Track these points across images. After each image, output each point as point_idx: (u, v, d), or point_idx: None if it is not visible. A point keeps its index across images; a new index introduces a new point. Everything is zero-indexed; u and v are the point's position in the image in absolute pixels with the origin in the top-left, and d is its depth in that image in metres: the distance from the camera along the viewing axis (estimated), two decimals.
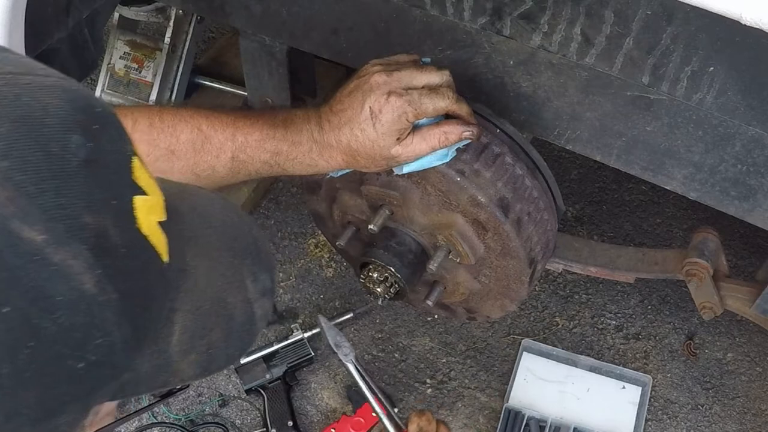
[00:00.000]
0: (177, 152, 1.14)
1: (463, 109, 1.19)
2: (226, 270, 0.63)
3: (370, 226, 1.34)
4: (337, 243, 1.45)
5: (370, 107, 1.12)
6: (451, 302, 1.53)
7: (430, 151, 1.17)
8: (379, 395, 1.54)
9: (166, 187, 0.60)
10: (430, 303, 1.46)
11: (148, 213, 0.54)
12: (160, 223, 0.55)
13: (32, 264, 0.45)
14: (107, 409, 0.56)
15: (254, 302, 0.64)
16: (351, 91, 1.15)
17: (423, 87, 1.15)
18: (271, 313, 0.66)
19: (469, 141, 1.20)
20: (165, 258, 0.55)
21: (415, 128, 1.16)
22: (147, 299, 0.53)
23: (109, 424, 0.58)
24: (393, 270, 1.39)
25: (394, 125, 1.12)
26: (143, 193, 0.54)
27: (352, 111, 1.13)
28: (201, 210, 0.65)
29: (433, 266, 1.37)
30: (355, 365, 1.56)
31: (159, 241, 0.54)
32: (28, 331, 0.44)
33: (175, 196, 0.60)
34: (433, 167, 1.22)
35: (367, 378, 1.58)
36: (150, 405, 0.65)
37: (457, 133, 1.16)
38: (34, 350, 0.45)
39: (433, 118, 1.17)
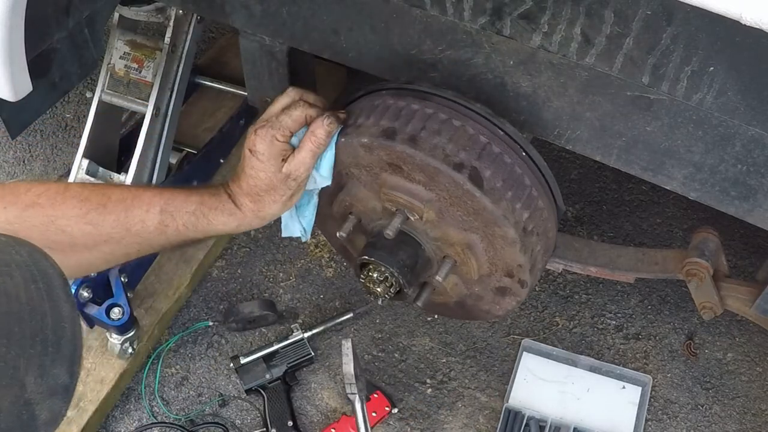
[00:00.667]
0: (108, 206, 1.23)
1: (318, 111, 1.31)
2: None
3: (387, 231, 1.34)
4: (338, 233, 1.44)
5: (248, 149, 1.28)
6: (442, 301, 1.53)
7: (313, 156, 1.28)
8: None
9: None
10: (419, 304, 1.46)
11: None
12: None
13: None
14: None
15: (36, 404, 0.54)
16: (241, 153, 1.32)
17: (280, 111, 1.29)
18: (65, 413, 0.59)
19: (340, 126, 1.30)
20: None
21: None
22: None
23: None
24: (394, 271, 1.39)
25: (270, 150, 1.26)
26: None
27: (242, 161, 1.31)
28: None
29: (440, 278, 1.38)
30: (362, 404, 1.59)
31: None
32: None
33: None
34: None
35: (366, 417, 1.62)
36: None
37: (321, 128, 1.28)
38: None
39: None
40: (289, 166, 1.27)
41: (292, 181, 1.29)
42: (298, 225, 1.44)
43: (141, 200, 1.25)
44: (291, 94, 1.32)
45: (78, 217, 1.19)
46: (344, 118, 1.33)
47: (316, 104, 1.32)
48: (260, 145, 1.26)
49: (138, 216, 1.25)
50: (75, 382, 0.58)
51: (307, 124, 1.29)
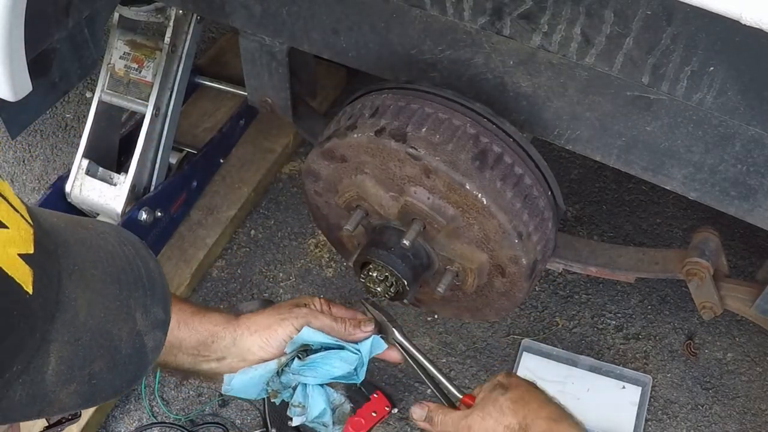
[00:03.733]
0: None
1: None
2: (111, 302, 0.64)
3: (404, 241, 1.34)
4: (344, 227, 1.44)
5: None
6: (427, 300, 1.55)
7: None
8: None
9: (56, 221, 0.62)
10: (405, 301, 1.47)
11: (5, 245, 0.55)
12: (25, 256, 0.56)
13: None
14: None
15: (144, 334, 0.65)
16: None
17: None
18: (164, 342, 0.72)
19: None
20: (28, 289, 0.56)
21: None
22: (4, 332, 0.54)
23: None
24: (397, 273, 1.39)
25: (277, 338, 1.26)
26: (3, 226, 0.55)
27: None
28: (91, 243, 0.66)
29: (441, 288, 1.38)
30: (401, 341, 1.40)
31: (19, 272, 0.55)
32: None
33: (64, 230, 0.62)
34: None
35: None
36: None
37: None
38: None
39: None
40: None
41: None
42: (256, 390, 1.28)
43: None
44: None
45: None
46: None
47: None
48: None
49: None
50: (169, 318, 0.71)
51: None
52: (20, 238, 0.57)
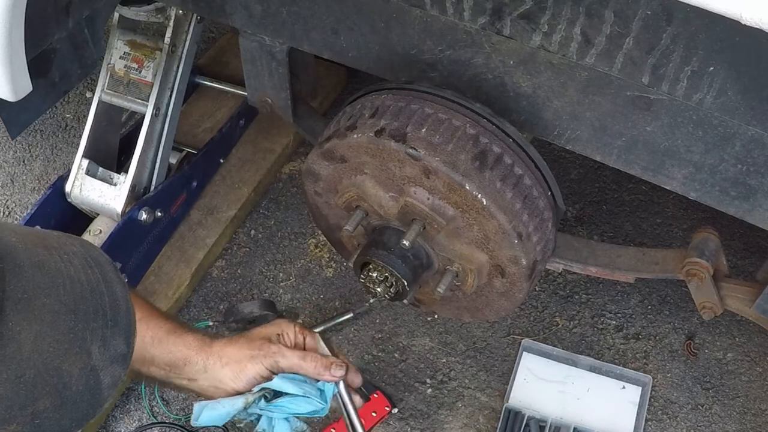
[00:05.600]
0: None
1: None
2: (63, 335, 0.59)
3: (404, 241, 1.34)
4: (344, 227, 1.44)
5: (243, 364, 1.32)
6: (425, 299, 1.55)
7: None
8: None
9: (10, 242, 0.58)
10: (405, 301, 1.47)
11: None
12: None
13: None
14: None
15: (100, 370, 0.61)
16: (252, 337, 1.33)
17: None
18: (123, 378, 0.70)
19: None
20: None
21: None
22: None
23: None
24: (397, 273, 1.39)
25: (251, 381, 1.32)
26: None
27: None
28: (49, 267, 0.61)
29: (441, 289, 1.38)
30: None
31: None
32: None
33: (19, 251, 0.58)
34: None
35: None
36: None
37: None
38: None
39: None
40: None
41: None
42: (221, 422, 1.35)
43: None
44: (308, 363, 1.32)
45: None
46: None
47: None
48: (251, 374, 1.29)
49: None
50: (131, 351, 0.66)
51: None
52: None
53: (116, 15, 1.93)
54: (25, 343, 0.56)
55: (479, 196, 1.27)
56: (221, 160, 2.29)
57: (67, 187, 1.97)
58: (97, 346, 0.61)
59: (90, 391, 0.61)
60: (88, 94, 2.62)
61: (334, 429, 1.92)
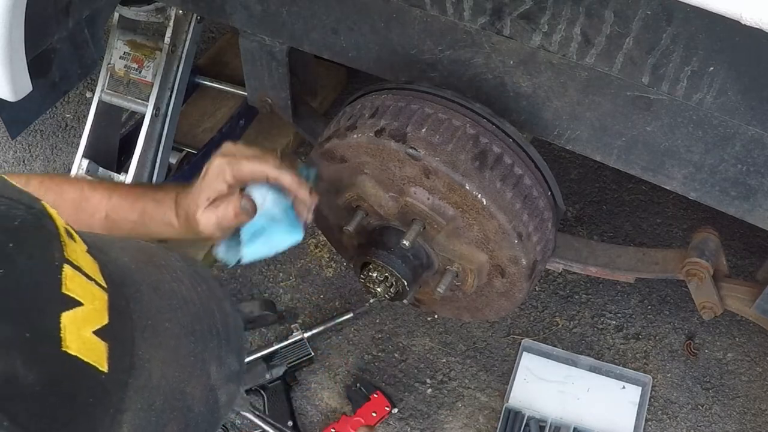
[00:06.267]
0: (60, 209, 1.17)
1: (284, 177, 1.19)
2: (185, 359, 0.59)
3: (404, 242, 1.34)
4: (345, 228, 1.44)
5: (205, 168, 1.19)
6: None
7: (218, 221, 1.18)
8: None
9: (127, 263, 0.57)
10: (405, 301, 1.47)
11: (80, 327, 0.50)
12: (99, 331, 0.52)
13: None
14: None
15: (218, 389, 0.61)
16: None
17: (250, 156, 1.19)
18: (238, 395, 0.69)
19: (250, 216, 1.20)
20: (104, 368, 0.52)
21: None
22: (79, 418, 0.50)
23: None
24: (397, 273, 1.39)
25: (212, 182, 1.17)
26: (76, 303, 0.50)
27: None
28: (164, 289, 0.61)
29: (441, 289, 1.38)
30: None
31: (94, 354, 0.51)
32: None
33: (136, 273, 0.58)
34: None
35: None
36: None
37: (234, 206, 1.18)
38: None
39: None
40: (203, 218, 1.19)
41: (198, 228, 1.20)
42: (235, 254, 1.26)
43: (89, 203, 1.22)
44: (269, 159, 1.20)
45: None
46: (250, 211, 1.20)
47: (284, 172, 1.19)
48: (210, 171, 1.19)
49: (84, 221, 1.21)
50: (243, 368, 0.67)
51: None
52: (95, 311, 0.52)
53: (116, 15, 1.94)
54: (155, 371, 0.56)
55: (479, 196, 1.27)
56: None
57: None
58: (215, 366, 0.61)
59: (210, 411, 0.61)
60: (88, 94, 2.62)
61: (334, 429, 1.92)
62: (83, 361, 0.50)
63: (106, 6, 1.64)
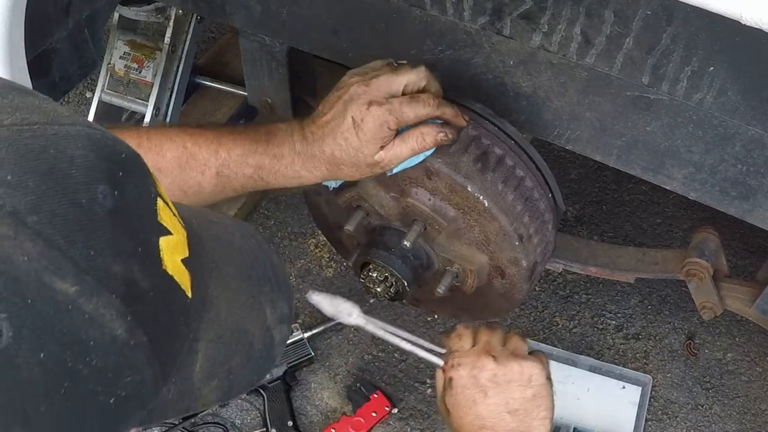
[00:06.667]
0: (164, 170, 1.16)
1: (446, 113, 1.20)
2: (246, 299, 0.65)
3: (405, 242, 1.34)
4: (345, 227, 1.44)
5: (352, 117, 1.14)
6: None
7: (411, 154, 1.19)
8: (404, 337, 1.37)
9: (188, 216, 0.62)
10: (405, 301, 1.47)
11: (173, 253, 0.56)
12: (184, 261, 0.57)
13: (66, 313, 0.47)
14: None
15: (273, 329, 0.66)
16: (332, 103, 1.17)
17: (403, 91, 1.17)
18: (288, 336, 0.74)
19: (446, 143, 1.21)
20: (189, 294, 0.57)
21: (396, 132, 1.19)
22: (173, 336, 0.56)
23: None
24: (397, 273, 1.39)
25: (377, 133, 1.14)
26: (167, 232, 0.56)
27: (335, 121, 1.15)
28: (222, 239, 0.67)
29: (441, 289, 1.38)
30: (365, 319, 1.30)
31: (183, 279, 0.56)
32: (63, 373, 0.47)
33: (197, 225, 0.62)
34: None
35: (382, 324, 1.35)
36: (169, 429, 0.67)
37: (432, 136, 1.18)
38: (69, 390, 0.47)
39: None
40: (384, 156, 1.17)
41: (378, 168, 1.19)
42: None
43: (196, 160, 1.17)
44: (420, 73, 1.18)
45: None
46: (455, 138, 1.22)
47: (444, 107, 1.20)
48: (369, 123, 1.13)
49: (194, 179, 1.17)
50: (293, 313, 0.73)
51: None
52: (180, 243, 0.57)
53: (116, 15, 1.94)
54: (222, 308, 0.62)
55: (481, 197, 1.27)
56: None
57: None
58: (269, 308, 0.67)
59: (267, 348, 0.66)
60: (88, 94, 2.62)
61: (334, 429, 1.92)
62: (177, 282, 0.56)
63: (106, 6, 1.64)
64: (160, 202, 0.56)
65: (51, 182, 0.48)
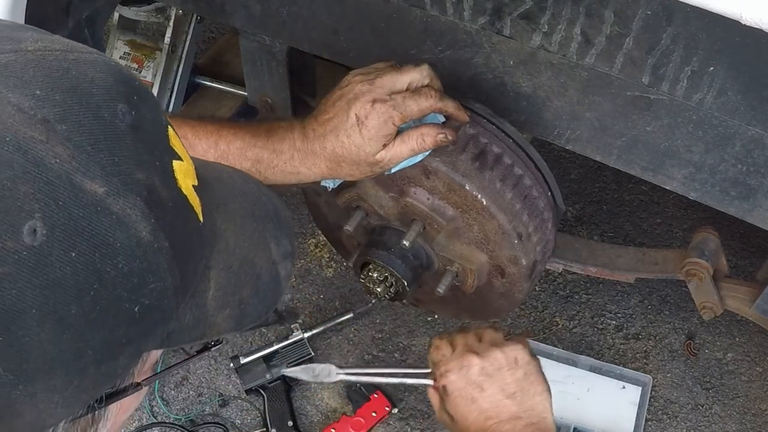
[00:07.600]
0: None
1: (448, 106, 1.20)
2: (251, 234, 0.68)
3: (404, 242, 1.34)
4: (344, 228, 1.44)
5: (356, 114, 1.13)
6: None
7: (411, 154, 1.19)
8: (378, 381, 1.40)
9: (193, 159, 0.65)
10: (405, 301, 1.47)
11: (185, 176, 0.59)
12: (195, 187, 0.60)
13: (95, 215, 0.50)
14: (152, 359, 0.61)
15: (278, 264, 0.69)
16: (335, 101, 1.17)
17: (406, 89, 1.17)
18: (292, 273, 0.73)
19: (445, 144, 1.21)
20: (200, 218, 0.60)
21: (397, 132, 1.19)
22: (189, 252, 0.58)
23: (149, 377, 0.62)
24: (397, 273, 1.39)
25: (380, 131, 1.14)
26: (179, 158, 0.59)
27: (338, 119, 1.15)
28: (224, 180, 0.70)
29: (441, 289, 1.38)
30: (344, 374, 1.36)
31: (195, 202, 0.60)
32: (92, 275, 0.49)
33: (201, 167, 0.65)
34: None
35: (362, 371, 1.44)
36: (185, 360, 0.69)
37: (432, 137, 1.18)
38: (97, 293, 0.50)
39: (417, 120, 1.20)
40: (385, 155, 1.16)
41: (377, 168, 1.19)
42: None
43: (195, 152, 1.13)
44: (423, 71, 1.18)
45: None
46: (455, 139, 1.22)
47: (446, 99, 1.20)
48: (373, 120, 1.13)
49: None
50: (295, 250, 0.75)
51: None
52: (190, 169, 0.61)
53: (116, 15, 1.94)
54: (230, 240, 0.65)
55: (479, 196, 1.27)
56: None
57: None
58: (274, 244, 0.70)
59: (274, 281, 0.69)
60: None
61: (334, 429, 1.92)
62: (190, 203, 0.59)
63: (106, 6, 1.64)
64: (170, 130, 0.59)
65: (76, 97, 0.52)
